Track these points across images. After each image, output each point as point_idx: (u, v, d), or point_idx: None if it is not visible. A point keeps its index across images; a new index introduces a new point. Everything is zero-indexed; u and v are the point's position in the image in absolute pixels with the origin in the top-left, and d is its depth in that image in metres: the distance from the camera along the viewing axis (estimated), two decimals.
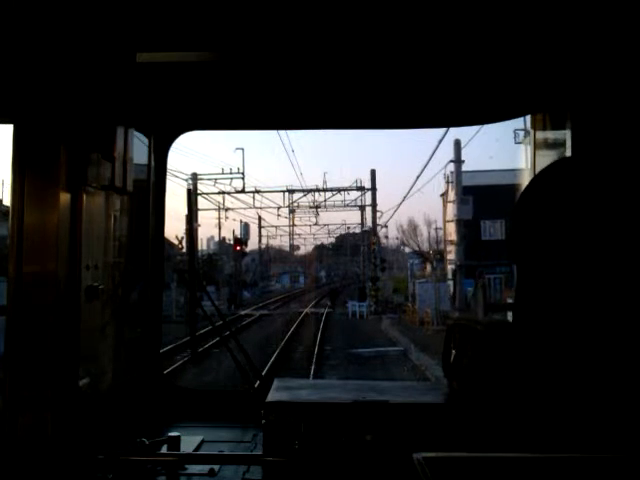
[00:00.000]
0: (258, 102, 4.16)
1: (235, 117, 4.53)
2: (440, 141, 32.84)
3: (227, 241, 64.07)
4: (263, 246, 73.35)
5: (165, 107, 4.19)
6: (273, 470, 3.21)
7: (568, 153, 3.76)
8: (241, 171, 46.92)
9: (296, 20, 2.84)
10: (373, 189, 51.56)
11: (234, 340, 4.86)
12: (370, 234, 53.25)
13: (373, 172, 51.50)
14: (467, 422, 3.08)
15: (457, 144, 29.01)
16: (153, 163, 4.51)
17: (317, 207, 56.52)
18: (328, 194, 53.44)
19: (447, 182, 31.28)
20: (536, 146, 4.30)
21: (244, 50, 3.05)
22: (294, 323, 37.11)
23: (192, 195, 32.26)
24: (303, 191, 53.50)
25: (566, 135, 3.79)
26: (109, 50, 2.98)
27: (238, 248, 58.22)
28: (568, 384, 2.51)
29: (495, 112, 4.33)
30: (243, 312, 42.98)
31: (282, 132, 35.38)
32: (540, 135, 4.29)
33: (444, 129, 25.97)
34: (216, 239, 64.35)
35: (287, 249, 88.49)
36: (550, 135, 4.21)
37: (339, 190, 52.94)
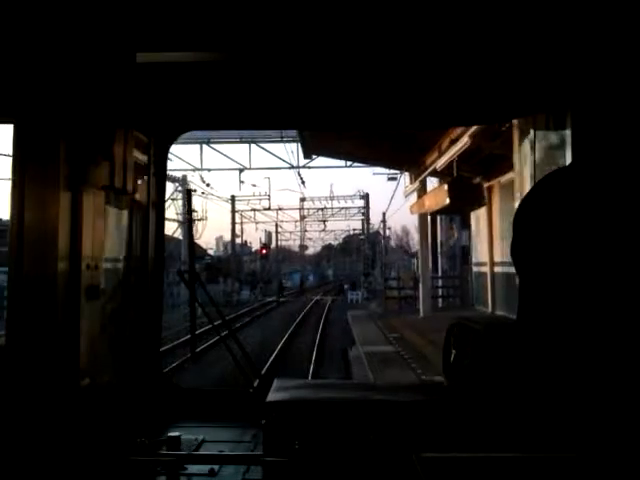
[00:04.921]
0: (258, 102, 4.15)
1: (235, 117, 4.53)
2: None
3: (249, 244, 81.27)
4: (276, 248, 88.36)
5: (165, 107, 4.19)
6: (273, 470, 3.20)
7: (569, 154, 3.75)
8: (268, 194, 60.99)
9: (297, 20, 2.83)
10: (367, 207, 66.61)
11: (235, 341, 4.88)
12: (365, 240, 68.93)
13: (367, 195, 65.75)
14: (467, 422, 3.08)
15: (383, 214, 51.53)
16: (153, 163, 4.51)
17: (324, 221, 75.29)
18: (334, 204, 69.09)
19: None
20: (536, 147, 4.29)
21: (244, 50, 3.04)
22: (308, 305, 54.25)
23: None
24: (314, 209, 70.60)
25: (566, 136, 3.78)
26: (109, 50, 2.98)
27: (264, 251, 72.54)
28: (569, 386, 2.51)
29: (496, 113, 4.33)
30: (269, 299, 61.08)
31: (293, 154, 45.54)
32: (540, 136, 4.28)
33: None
34: (225, 239, 76.30)
35: (297, 249, 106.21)
36: (550, 136, 4.20)
37: (346, 207, 68.67)
